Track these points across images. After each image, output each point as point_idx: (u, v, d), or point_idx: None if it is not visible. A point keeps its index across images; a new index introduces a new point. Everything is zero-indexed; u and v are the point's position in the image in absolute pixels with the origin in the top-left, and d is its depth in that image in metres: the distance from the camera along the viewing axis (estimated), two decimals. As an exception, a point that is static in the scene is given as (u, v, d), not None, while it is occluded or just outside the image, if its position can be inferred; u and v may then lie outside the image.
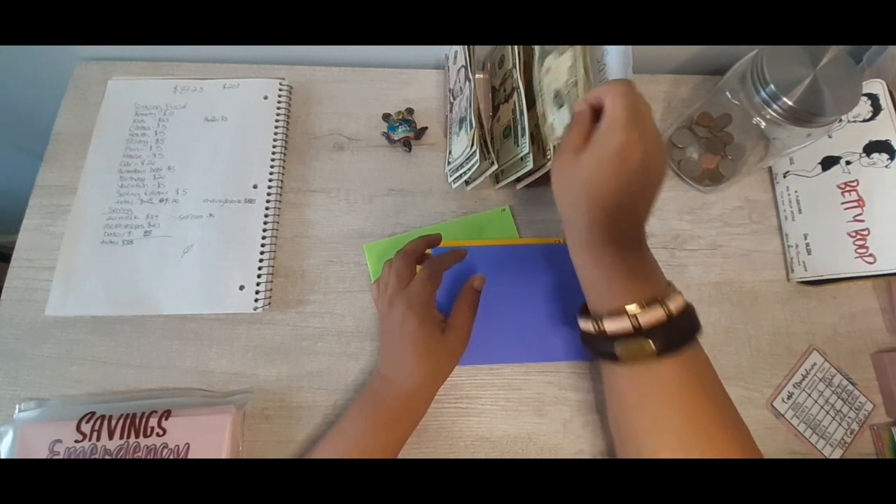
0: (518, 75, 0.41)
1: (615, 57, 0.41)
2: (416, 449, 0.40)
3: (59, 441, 0.35)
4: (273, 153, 0.45)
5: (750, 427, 0.31)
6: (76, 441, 0.35)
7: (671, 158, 0.49)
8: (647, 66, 0.51)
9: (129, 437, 0.35)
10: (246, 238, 0.42)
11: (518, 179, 0.44)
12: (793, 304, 0.46)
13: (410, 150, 0.47)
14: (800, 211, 0.46)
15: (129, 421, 0.36)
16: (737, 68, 0.41)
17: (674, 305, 0.30)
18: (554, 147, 0.38)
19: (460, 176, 0.43)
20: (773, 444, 0.42)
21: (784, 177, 0.48)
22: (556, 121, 0.37)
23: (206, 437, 0.36)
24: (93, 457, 0.35)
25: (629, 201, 0.30)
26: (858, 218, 0.41)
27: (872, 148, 0.41)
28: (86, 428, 0.35)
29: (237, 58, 0.49)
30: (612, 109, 0.30)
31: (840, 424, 0.43)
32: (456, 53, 0.46)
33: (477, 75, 0.43)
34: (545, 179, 0.46)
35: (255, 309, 0.40)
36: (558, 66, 0.36)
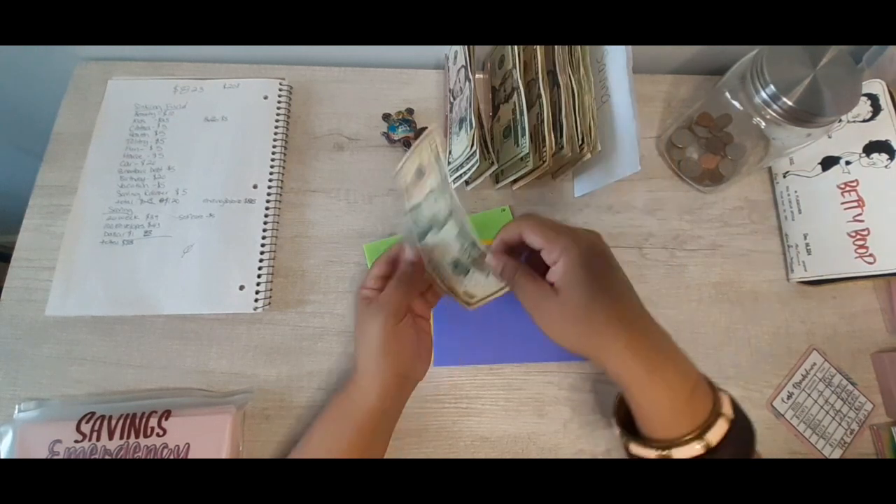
0: (518, 75, 0.41)
1: (615, 57, 0.41)
2: (416, 449, 0.40)
3: (58, 441, 0.35)
4: (273, 153, 0.45)
5: (750, 427, 0.31)
6: (76, 441, 0.35)
7: (672, 159, 0.49)
8: (647, 66, 0.51)
9: (129, 437, 0.35)
10: (246, 238, 0.42)
11: (516, 180, 0.44)
12: (793, 304, 0.46)
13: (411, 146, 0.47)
14: (800, 211, 0.46)
15: (129, 421, 0.36)
16: (737, 68, 0.41)
17: (726, 409, 0.29)
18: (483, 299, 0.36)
19: (460, 176, 0.43)
20: (773, 444, 0.42)
21: (784, 177, 0.48)
22: (470, 286, 0.36)
23: (206, 437, 0.36)
24: (93, 457, 0.35)
25: (627, 291, 0.30)
26: (858, 218, 0.41)
27: (872, 148, 0.41)
28: (86, 428, 0.35)
29: (237, 58, 0.49)
30: (535, 240, 0.30)
31: (840, 424, 0.43)
32: (456, 53, 0.46)
33: (477, 75, 0.43)
34: (542, 180, 0.46)
35: (255, 309, 0.40)
36: (443, 238, 0.35)
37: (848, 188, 0.42)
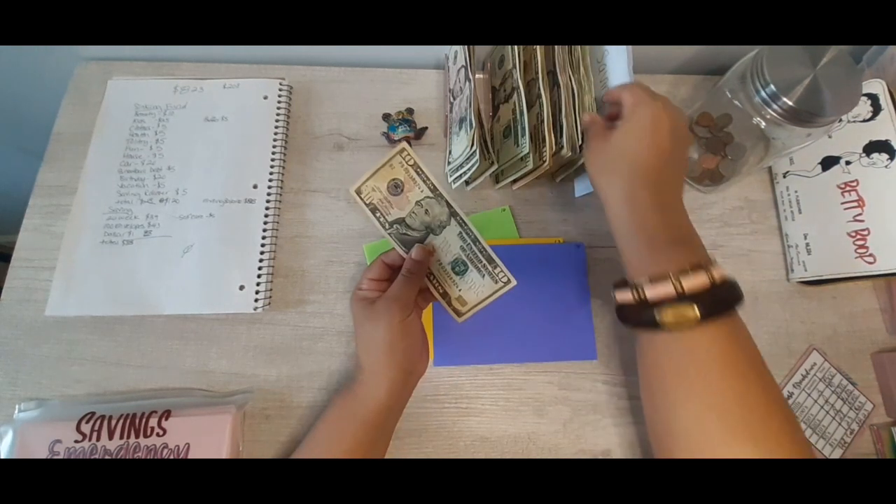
0: (518, 75, 0.41)
1: (615, 57, 0.41)
2: (416, 449, 0.40)
3: (58, 441, 0.35)
4: (273, 153, 0.45)
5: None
6: (76, 441, 0.35)
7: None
8: (647, 66, 0.51)
9: (129, 437, 0.35)
10: (246, 238, 0.42)
11: (516, 180, 0.44)
12: (793, 304, 0.46)
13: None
14: (800, 211, 0.46)
15: (129, 421, 0.36)
16: (737, 68, 0.41)
17: (717, 273, 0.30)
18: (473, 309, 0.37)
19: (460, 176, 0.43)
20: (773, 444, 0.42)
21: (784, 177, 0.48)
22: (464, 289, 0.37)
23: (206, 437, 0.36)
24: (93, 457, 0.35)
25: (665, 165, 0.33)
26: (858, 218, 0.41)
27: (872, 148, 0.41)
28: (86, 428, 0.35)
29: (237, 58, 0.49)
30: (633, 94, 0.34)
31: (840, 424, 0.43)
32: (456, 53, 0.46)
33: (477, 75, 0.43)
34: (542, 180, 0.46)
35: (255, 309, 0.40)
36: (445, 239, 0.36)
37: (848, 188, 0.42)
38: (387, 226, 0.37)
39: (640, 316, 0.31)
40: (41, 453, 0.35)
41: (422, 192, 0.36)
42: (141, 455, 0.35)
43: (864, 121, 0.42)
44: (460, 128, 0.43)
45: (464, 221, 0.36)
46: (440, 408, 0.41)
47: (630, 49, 0.40)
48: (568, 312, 0.43)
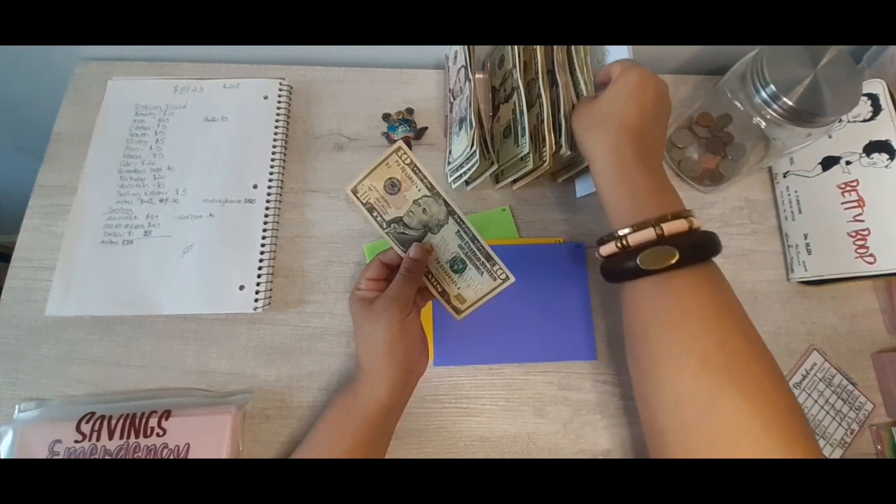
0: (518, 75, 0.41)
1: (615, 57, 0.41)
2: (416, 449, 0.40)
3: (58, 441, 0.35)
4: (273, 153, 0.45)
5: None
6: (76, 441, 0.35)
7: (671, 158, 0.49)
8: (647, 66, 0.50)
9: (129, 437, 0.35)
10: (246, 238, 0.42)
11: (516, 180, 0.44)
12: (793, 304, 0.46)
13: (410, 149, 0.47)
14: (800, 211, 0.46)
15: (129, 421, 0.36)
16: (737, 68, 0.41)
17: (696, 222, 0.31)
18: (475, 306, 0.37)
19: (460, 176, 0.43)
20: (773, 444, 0.42)
21: (784, 177, 0.48)
22: (463, 287, 0.37)
23: (206, 437, 0.36)
24: (93, 457, 0.35)
25: (649, 125, 0.35)
26: (858, 218, 0.41)
27: (872, 148, 0.41)
28: (86, 428, 0.35)
29: (237, 58, 0.49)
30: (621, 63, 0.37)
31: (840, 424, 0.43)
32: (456, 53, 0.46)
33: (477, 75, 0.43)
34: (542, 180, 0.46)
35: (255, 309, 0.40)
36: (443, 237, 0.37)
37: (848, 188, 0.42)
38: (384, 225, 0.37)
39: (623, 264, 0.32)
40: (41, 453, 0.35)
41: (419, 190, 0.36)
42: (141, 455, 0.35)
43: (865, 121, 0.42)
44: (460, 128, 0.43)
45: (462, 220, 0.36)
46: (440, 408, 0.41)
47: (630, 49, 0.40)
48: (568, 312, 0.43)
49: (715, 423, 0.27)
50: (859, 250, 0.41)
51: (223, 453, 0.36)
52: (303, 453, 0.35)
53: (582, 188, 0.45)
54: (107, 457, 0.35)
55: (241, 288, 0.41)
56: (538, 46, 0.42)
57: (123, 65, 0.48)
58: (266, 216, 0.43)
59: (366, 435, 0.35)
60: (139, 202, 0.43)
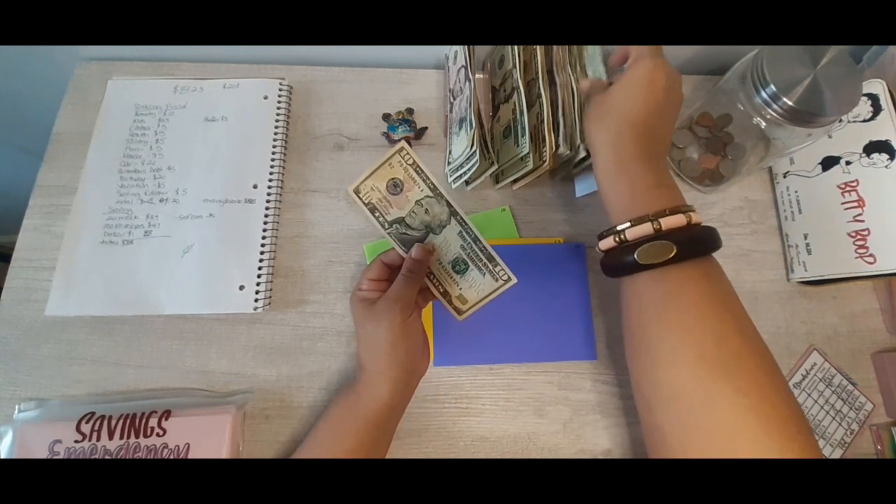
0: (518, 75, 0.41)
1: (615, 57, 0.41)
2: (416, 449, 0.40)
3: (58, 441, 0.35)
4: (273, 153, 0.45)
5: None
6: (76, 441, 0.35)
7: (671, 158, 0.49)
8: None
9: (129, 437, 0.35)
10: (246, 238, 0.42)
11: (516, 180, 0.44)
12: (793, 304, 0.46)
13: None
14: (800, 211, 0.46)
15: (129, 421, 0.36)
16: (737, 68, 0.41)
17: (695, 217, 0.31)
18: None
19: (460, 176, 0.43)
20: (773, 444, 0.42)
21: (784, 177, 0.48)
22: (465, 288, 0.37)
23: (206, 437, 0.36)
24: (93, 457, 0.35)
25: (655, 120, 0.34)
26: (858, 218, 0.41)
27: (872, 148, 0.41)
28: (86, 428, 0.35)
29: (237, 58, 0.49)
30: (636, 50, 0.36)
31: (840, 424, 0.43)
32: (456, 53, 0.46)
33: (477, 75, 0.43)
34: (542, 180, 0.46)
35: (255, 309, 0.40)
36: (445, 238, 0.36)
37: (848, 188, 0.42)
38: (386, 225, 0.37)
39: (621, 259, 0.32)
40: (41, 453, 0.35)
41: (421, 191, 0.36)
42: (141, 455, 0.35)
43: (865, 121, 0.42)
44: (460, 128, 0.43)
45: (464, 220, 0.36)
46: (440, 408, 0.41)
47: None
48: (568, 312, 0.43)
49: (711, 419, 0.27)
50: (859, 250, 0.41)
51: (223, 453, 0.36)
52: (304, 453, 0.35)
53: (581, 188, 0.45)
54: (107, 457, 0.35)
55: (241, 288, 0.41)
56: (538, 46, 0.42)
57: (123, 65, 0.48)
58: (266, 216, 0.43)
59: (367, 435, 0.35)
60: (139, 202, 0.43)
